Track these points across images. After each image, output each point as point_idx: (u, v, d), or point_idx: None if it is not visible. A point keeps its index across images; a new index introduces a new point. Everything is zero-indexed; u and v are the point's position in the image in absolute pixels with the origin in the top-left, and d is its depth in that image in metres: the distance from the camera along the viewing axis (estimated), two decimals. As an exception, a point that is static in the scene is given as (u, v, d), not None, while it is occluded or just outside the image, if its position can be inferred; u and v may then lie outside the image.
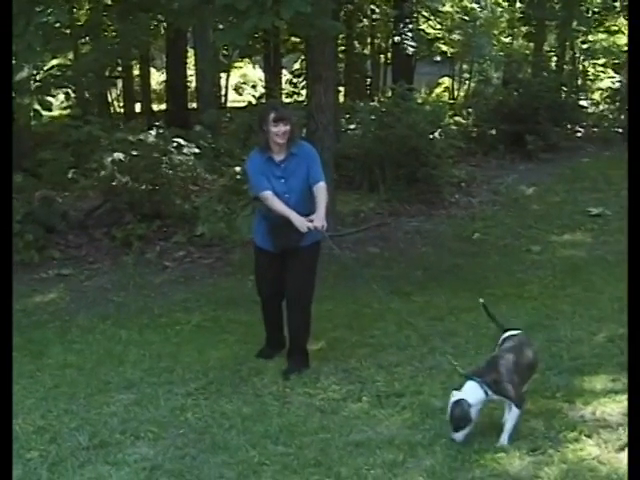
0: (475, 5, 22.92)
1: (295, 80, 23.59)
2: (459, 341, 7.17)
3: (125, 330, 7.84)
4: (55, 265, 10.35)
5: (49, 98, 10.53)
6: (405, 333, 7.42)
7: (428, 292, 8.77)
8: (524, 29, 22.82)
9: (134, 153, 11.90)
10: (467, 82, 24.15)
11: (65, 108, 20.27)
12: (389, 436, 5.31)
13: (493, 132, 17.53)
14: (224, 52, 22.86)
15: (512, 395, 5.20)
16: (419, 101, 17.14)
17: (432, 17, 22.45)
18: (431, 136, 14.02)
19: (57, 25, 10.77)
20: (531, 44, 22.64)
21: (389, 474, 4.83)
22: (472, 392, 5.20)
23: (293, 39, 23.04)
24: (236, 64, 27.82)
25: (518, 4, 22.51)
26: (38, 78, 11.30)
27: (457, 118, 18.46)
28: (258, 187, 6.45)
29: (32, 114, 10.73)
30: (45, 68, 13.21)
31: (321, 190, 6.43)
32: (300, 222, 6.29)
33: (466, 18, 22.51)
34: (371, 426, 5.51)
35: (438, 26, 23.24)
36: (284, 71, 25.24)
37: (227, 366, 6.75)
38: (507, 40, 24.83)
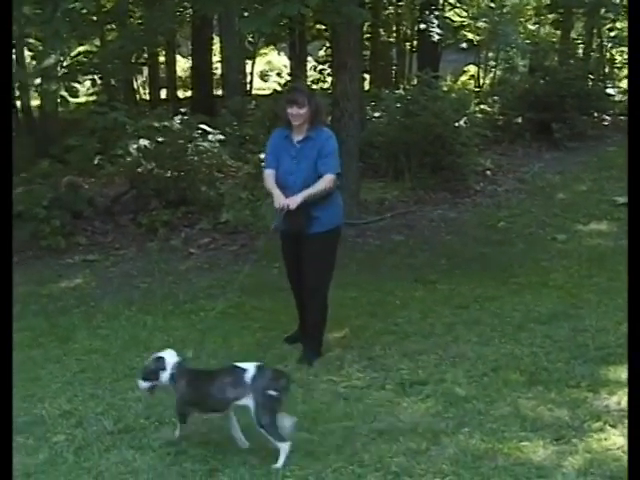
0: (502, -8, 22.75)
1: (320, 67, 23.53)
2: (484, 329, 7.15)
3: (150, 316, 7.89)
4: (81, 251, 10.42)
5: (76, 85, 10.55)
6: (429, 321, 7.42)
7: (453, 280, 8.75)
8: (551, 16, 22.61)
9: (160, 140, 11.94)
10: (493, 70, 23.97)
11: (91, 94, 20.38)
12: (412, 424, 5.31)
13: (519, 120, 17.41)
14: (250, 39, 22.87)
15: None
16: (445, 89, 17.04)
17: (458, 4, 22.29)
18: (457, 124, 13.94)
19: (84, 12, 10.81)
20: (558, 32, 22.43)
21: (412, 462, 4.83)
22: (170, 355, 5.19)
23: (318, 26, 22.97)
24: (261, 51, 27.80)
25: (545, -9, 22.35)
26: (65, 65, 11.35)
27: (483, 106, 18.33)
28: (265, 164, 6.65)
29: (59, 101, 10.77)
30: (72, 55, 13.29)
31: (323, 179, 6.33)
32: (277, 198, 6.32)
33: (492, 5, 22.30)
34: (394, 414, 5.51)
35: (464, 13, 23.07)
36: (309, 58, 25.18)
37: (251, 353, 6.76)
38: (534, 28, 24.63)
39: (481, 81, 24.01)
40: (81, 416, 5.62)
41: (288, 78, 23.09)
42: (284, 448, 4.84)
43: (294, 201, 6.24)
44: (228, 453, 5.01)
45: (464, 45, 24.58)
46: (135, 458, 4.99)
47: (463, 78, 25.01)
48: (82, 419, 5.57)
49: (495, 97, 19.39)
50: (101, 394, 6.02)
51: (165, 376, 5.13)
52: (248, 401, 4.88)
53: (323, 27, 22.00)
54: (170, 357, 5.20)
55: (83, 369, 6.57)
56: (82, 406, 5.80)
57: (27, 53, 14.13)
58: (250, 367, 4.96)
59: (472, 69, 25.21)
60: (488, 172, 14.43)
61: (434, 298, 8.11)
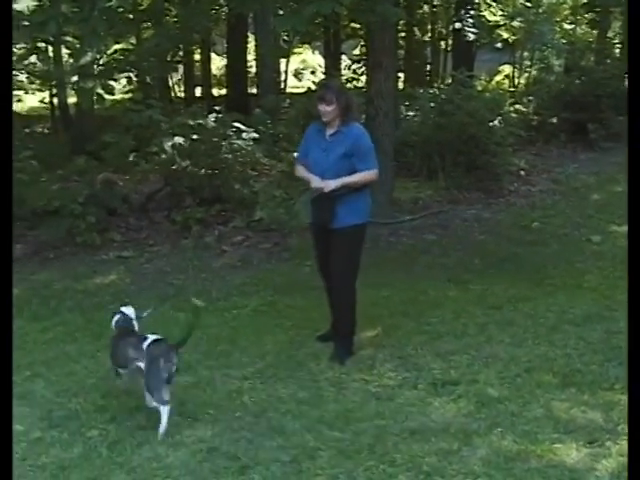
0: (538, -9, 22.63)
1: (354, 66, 23.53)
2: (517, 330, 7.12)
3: (183, 313, 7.92)
4: (116, 247, 10.48)
5: (112, 82, 10.62)
6: (462, 321, 7.40)
7: (486, 280, 8.72)
8: (588, 16, 22.46)
9: (194, 137, 11.98)
10: (528, 70, 23.87)
11: (127, 92, 20.50)
12: (444, 424, 5.31)
13: (554, 120, 17.31)
14: (284, 37, 22.91)
15: None
16: (479, 88, 17.00)
17: (494, 3, 22.20)
18: (491, 124, 13.89)
19: (120, 10, 10.86)
20: (594, 31, 22.28)
21: (444, 462, 4.83)
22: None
23: (353, 25, 22.97)
24: (296, 49, 27.84)
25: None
26: (101, 62, 11.43)
27: (518, 106, 18.24)
28: (297, 155, 6.94)
29: (95, 98, 10.84)
30: (108, 53, 13.38)
31: (364, 173, 6.45)
32: (313, 179, 6.50)
33: (528, 5, 22.19)
34: (426, 414, 5.51)
35: (500, 12, 22.98)
36: (344, 57, 25.19)
37: (283, 351, 6.79)
38: (570, 27, 24.48)
39: (516, 81, 23.90)
40: (115, 411, 5.67)
41: (322, 77, 23.13)
42: (164, 411, 5.31)
43: (329, 185, 6.37)
44: (260, 450, 5.04)
45: (499, 44, 24.46)
46: (167, 454, 5.03)
47: (498, 78, 24.90)
48: (116, 414, 5.61)
49: (530, 97, 19.29)
50: (134, 390, 6.06)
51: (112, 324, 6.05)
52: (142, 364, 5.50)
53: (358, 26, 22.00)
54: (128, 311, 6.06)
55: (117, 364, 6.61)
56: (116, 401, 5.84)
57: (64, 51, 14.27)
58: (150, 338, 5.64)
59: (507, 69, 25.10)
60: (522, 172, 14.37)
61: (467, 298, 8.08)
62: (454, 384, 5.98)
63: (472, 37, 18.92)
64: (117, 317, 6.02)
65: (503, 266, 9.32)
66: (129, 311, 6.07)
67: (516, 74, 24.21)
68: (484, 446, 5.00)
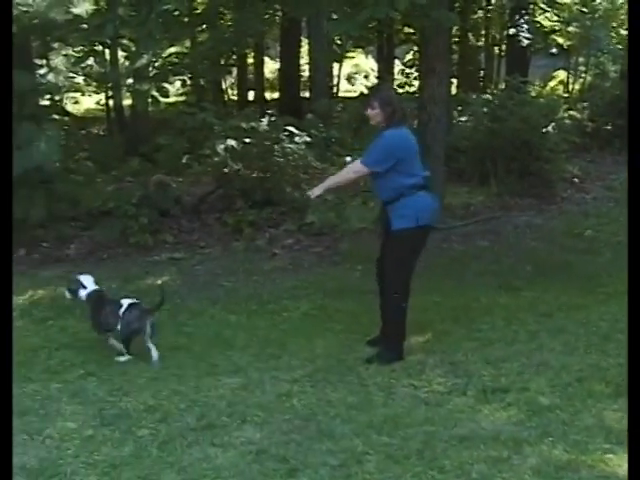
0: (594, -4, 22.40)
1: (407, 71, 23.49)
2: (568, 338, 7.05)
3: (234, 315, 7.98)
4: (168, 249, 10.57)
5: (166, 85, 10.75)
6: (513, 328, 7.35)
7: (537, 288, 8.65)
8: (645, 21, 22.15)
9: (246, 141, 12.05)
10: (583, 75, 23.64)
11: (181, 95, 20.71)
12: (494, 431, 5.27)
13: (609, 127, 17.12)
14: (337, 42, 22.94)
15: None
16: (533, 94, 16.87)
17: (549, 9, 22.01)
18: (544, 130, 13.78)
19: (176, 13, 10.98)
20: (652, 37, 21.96)
21: (493, 470, 4.79)
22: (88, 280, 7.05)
23: (406, 30, 22.94)
24: (349, 54, 27.86)
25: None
26: (156, 65, 11.56)
27: (572, 112, 18.08)
28: None
29: (150, 100, 10.97)
30: (163, 56, 13.52)
31: (346, 166, 7.04)
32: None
33: (584, 10, 21.99)
34: (476, 420, 5.47)
35: (555, 18, 22.78)
36: (396, 61, 25.15)
37: (333, 355, 6.80)
38: (626, 33, 24.20)
39: (570, 87, 23.68)
40: (165, 411, 5.71)
41: (375, 81, 23.12)
42: (122, 359, 6.72)
43: (313, 192, 6.94)
44: (308, 454, 5.04)
45: (554, 50, 24.26)
46: (217, 455, 5.05)
47: (552, 83, 24.70)
48: (166, 414, 5.66)
49: (584, 103, 19.10)
50: (185, 390, 6.10)
51: (82, 294, 7.02)
52: (119, 326, 6.68)
53: (411, 30, 21.96)
54: (88, 282, 7.03)
55: (167, 365, 6.67)
56: (166, 401, 5.89)
57: (121, 54, 14.45)
58: (125, 303, 6.75)
59: (561, 74, 24.88)
60: (576, 179, 14.23)
61: (518, 305, 8.03)
62: (504, 391, 5.93)
63: (526, 42, 18.76)
64: (88, 291, 7.00)
65: (555, 273, 9.24)
66: (88, 281, 7.07)
67: (571, 80, 23.99)
68: (534, 455, 4.95)
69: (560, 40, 23.69)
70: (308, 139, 12.97)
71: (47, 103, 11.68)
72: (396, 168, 6.48)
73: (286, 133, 12.61)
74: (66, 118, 14.77)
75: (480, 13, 23.57)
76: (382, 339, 6.76)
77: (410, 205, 6.51)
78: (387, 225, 6.65)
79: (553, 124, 14.23)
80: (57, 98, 13.26)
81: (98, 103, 19.71)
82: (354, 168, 6.75)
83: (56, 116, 12.11)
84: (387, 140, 6.54)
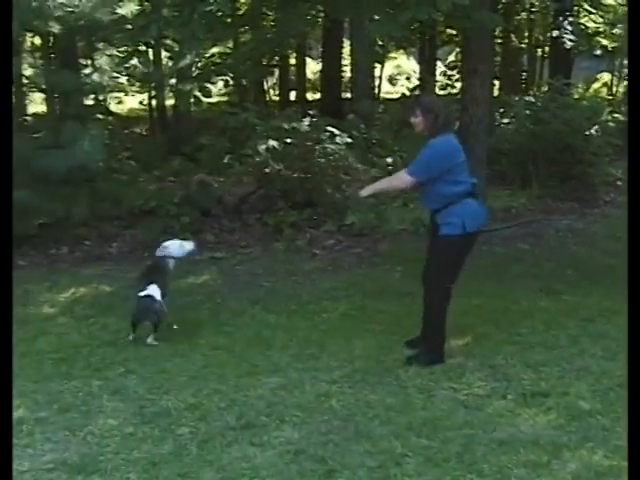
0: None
1: (449, 72, 23.42)
2: (610, 344, 6.98)
3: (274, 315, 7.99)
4: (209, 248, 10.61)
5: (209, 85, 10.83)
6: (553, 333, 7.29)
7: (579, 292, 8.58)
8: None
9: (288, 141, 12.07)
10: (627, 78, 23.41)
11: (223, 95, 20.80)
12: (534, 436, 5.24)
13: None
14: (380, 43, 22.92)
15: None
16: (576, 97, 16.75)
17: (594, 10, 21.83)
18: (587, 133, 13.66)
19: (219, 14, 11.04)
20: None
21: (533, 474, 4.77)
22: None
23: (449, 31, 22.86)
24: (391, 55, 27.83)
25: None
26: (199, 66, 11.65)
27: (616, 115, 17.90)
28: None
29: (192, 100, 11.06)
30: (206, 56, 13.60)
31: (395, 175, 7.04)
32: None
33: (630, 11, 21.76)
34: (515, 425, 5.44)
35: (600, 19, 22.59)
36: (438, 63, 25.09)
37: (372, 356, 6.79)
38: (673, 34, 23.91)
39: (614, 89, 23.47)
40: (205, 410, 5.75)
41: (417, 83, 23.07)
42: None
43: (364, 191, 6.88)
44: (347, 455, 5.04)
45: (598, 52, 24.05)
46: (256, 454, 5.07)
47: (596, 86, 24.49)
48: (206, 413, 5.69)
49: (629, 106, 18.88)
50: (224, 390, 6.13)
51: None
52: None
53: (454, 32, 21.89)
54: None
55: (208, 364, 6.70)
56: (206, 400, 5.92)
57: (164, 54, 14.56)
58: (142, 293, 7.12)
59: (605, 76, 24.67)
60: (619, 183, 14.08)
61: (559, 309, 7.97)
62: (544, 396, 5.90)
63: (570, 44, 18.62)
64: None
65: (597, 278, 9.16)
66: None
67: (615, 82, 23.77)
68: (574, 460, 4.92)
69: (604, 42, 23.48)
70: (349, 140, 12.94)
71: (91, 103, 11.83)
72: (443, 177, 6.42)
73: (327, 134, 12.60)
74: (110, 118, 14.94)
75: (524, 14, 23.43)
76: (423, 341, 6.76)
77: (457, 212, 6.45)
78: (435, 231, 6.62)
79: (596, 127, 14.09)
80: (101, 98, 13.42)
81: (141, 103, 19.88)
82: (401, 178, 6.67)
83: (100, 116, 12.27)
84: (433, 149, 6.48)
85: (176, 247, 7.71)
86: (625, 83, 23.16)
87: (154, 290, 7.17)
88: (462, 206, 6.47)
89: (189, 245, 7.87)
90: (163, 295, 7.21)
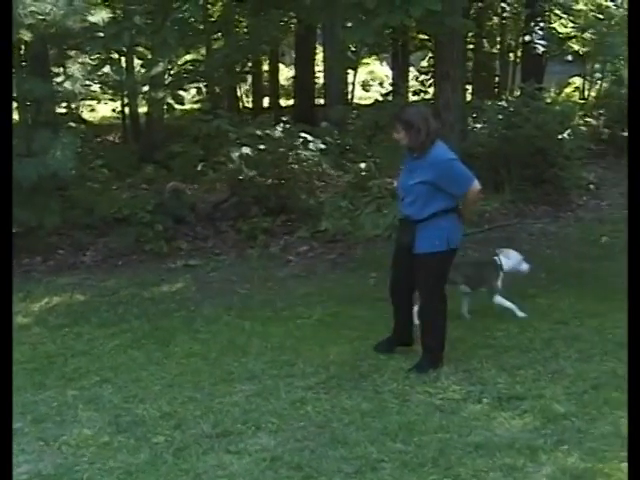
0: (610, 3, 22.33)
1: (422, 78, 23.45)
2: (583, 346, 7.02)
3: (248, 322, 7.98)
4: (183, 256, 10.61)
5: (181, 92, 10.80)
6: (528, 336, 7.32)
7: (552, 295, 8.62)
8: (661, 27, 22.05)
9: (261, 147, 12.08)
10: (599, 82, 23.58)
11: (196, 102, 20.75)
12: (509, 439, 5.26)
13: (625, 134, 17.05)
14: (352, 49, 22.93)
15: None
16: (548, 101, 16.83)
17: (565, 15, 21.96)
18: (560, 137, 13.74)
19: (192, 21, 11.02)
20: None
21: (509, 478, 4.78)
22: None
23: (421, 36, 22.91)
24: (364, 61, 27.86)
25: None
26: (172, 73, 11.62)
27: (588, 119, 18.04)
28: None
29: (165, 108, 11.02)
30: (179, 63, 13.56)
31: (471, 192, 6.56)
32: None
33: (600, 16, 21.93)
34: (491, 428, 5.46)
35: (570, 24, 22.72)
36: (411, 68, 25.13)
37: (347, 362, 6.79)
38: (642, 39, 24.11)
39: (586, 93, 23.62)
40: (180, 418, 5.73)
41: (390, 88, 23.11)
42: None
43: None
44: (323, 461, 5.04)
45: (569, 57, 24.19)
46: (232, 462, 5.06)
47: (568, 90, 24.63)
48: (181, 421, 5.67)
49: (600, 110, 19.03)
50: (200, 397, 6.12)
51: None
52: None
53: (426, 37, 21.93)
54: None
55: (182, 372, 6.69)
56: (181, 408, 5.91)
57: (137, 62, 14.51)
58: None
59: (577, 81, 24.82)
60: (591, 186, 14.17)
61: (533, 312, 7.99)
62: (519, 399, 5.92)
63: (542, 49, 18.73)
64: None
65: (570, 281, 9.19)
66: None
67: (586, 86, 23.92)
68: (550, 463, 4.94)
69: (576, 47, 23.60)
70: (322, 146, 12.96)
71: (63, 111, 11.76)
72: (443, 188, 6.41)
73: (300, 140, 12.62)
74: (82, 126, 14.88)
75: (495, 20, 23.53)
76: (423, 350, 6.69)
77: (442, 226, 6.42)
78: (409, 245, 6.51)
79: (569, 131, 14.18)
80: (73, 106, 13.36)
81: (114, 111, 19.78)
82: (477, 193, 6.61)
83: (72, 124, 12.21)
84: (449, 157, 6.48)
85: (515, 259, 7.90)
86: (596, 87, 23.35)
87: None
88: (446, 220, 6.44)
89: (524, 266, 7.95)
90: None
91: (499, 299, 7.72)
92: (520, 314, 7.69)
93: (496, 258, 7.84)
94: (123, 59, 14.78)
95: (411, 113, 6.66)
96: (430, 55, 22.08)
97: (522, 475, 4.81)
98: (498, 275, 7.77)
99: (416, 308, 6.91)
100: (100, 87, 15.54)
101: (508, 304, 7.73)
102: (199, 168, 12.89)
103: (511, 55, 23.96)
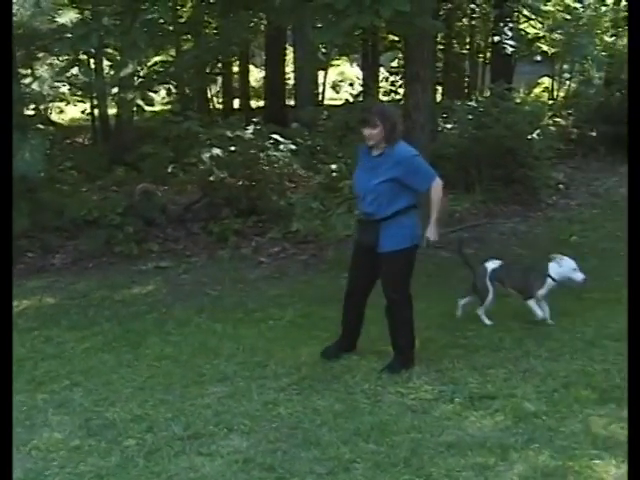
0: (578, 4, 22.50)
1: (392, 78, 23.51)
2: (554, 345, 7.06)
3: (220, 324, 7.95)
4: (153, 258, 10.57)
5: (151, 94, 10.75)
6: (499, 335, 7.35)
7: (523, 294, 8.65)
8: (628, 28, 22.24)
9: (232, 149, 12.06)
10: (568, 82, 23.74)
11: (166, 104, 20.67)
12: (481, 438, 5.28)
13: (593, 134, 17.20)
14: (322, 50, 22.95)
15: None
16: (518, 101, 16.93)
17: (533, 16, 22.09)
18: (529, 137, 13.82)
19: (161, 22, 10.97)
20: (635, 44, 22.02)
21: (480, 477, 4.80)
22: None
23: (391, 37, 22.97)
24: (334, 62, 27.89)
25: (623, 2, 21.99)
26: (141, 74, 11.56)
27: (557, 119, 18.15)
28: None
29: (135, 109, 10.97)
30: (148, 64, 13.49)
31: (433, 191, 6.53)
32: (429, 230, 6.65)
33: (568, 17, 22.08)
34: (462, 428, 5.48)
35: (539, 25, 22.87)
36: (381, 69, 25.18)
37: (319, 363, 6.78)
38: (610, 40, 24.31)
39: (555, 93, 23.77)
40: (151, 421, 5.70)
41: (360, 89, 23.15)
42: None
43: (433, 235, 6.60)
44: (295, 462, 5.04)
45: (538, 57, 24.34)
46: (204, 464, 5.04)
47: (537, 90, 24.78)
48: (152, 424, 5.64)
49: (569, 110, 19.17)
50: (171, 400, 6.09)
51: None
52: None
53: (396, 38, 21.99)
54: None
55: (154, 374, 6.65)
56: (152, 411, 5.87)
57: (106, 63, 14.44)
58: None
59: (546, 81, 24.98)
60: (561, 186, 14.27)
61: (504, 312, 8.02)
62: (491, 398, 5.94)
63: (511, 50, 18.84)
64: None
65: (541, 280, 9.23)
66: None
67: (555, 87, 24.07)
68: (521, 461, 4.96)
69: (544, 47, 23.75)
70: (293, 147, 12.97)
71: (32, 112, 11.66)
72: (408, 184, 6.43)
73: (271, 141, 12.61)
74: (51, 127, 14.74)
75: (465, 21, 23.63)
76: (394, 351, 6.68)
77: (405, 224, 6.44)
78: (373, 244, 6.49)
79: (538, 131, 14.27)
80: (42, 107, 13.23)
81: (83, 112, 19.66)
82: (439, 191, 6.57)
83: (41, 125, 12.10)
84: (415, 154, 6.53)
85: (567, 267, 7.58)
86: (565, 87, 23.50)
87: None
88: (409, 218, 6.47)
89: (578, 275, 7.53)
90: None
91: (531, 303, 7.59)
92: (549, 322, 7.61)
93: (548, 264, 7.62)
94: (92, 60, 14.72)
95: (388, 109, 6.81)
96: (400, 56, 22.13)
97: (494, 474, 4.83)
98: (544, 282, 7.57)
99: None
100: (69, 88, 15.48)
101: (539, 312, 7.57)
102: (169, 170, 12.84)
103: (480, 56, 24.08)
